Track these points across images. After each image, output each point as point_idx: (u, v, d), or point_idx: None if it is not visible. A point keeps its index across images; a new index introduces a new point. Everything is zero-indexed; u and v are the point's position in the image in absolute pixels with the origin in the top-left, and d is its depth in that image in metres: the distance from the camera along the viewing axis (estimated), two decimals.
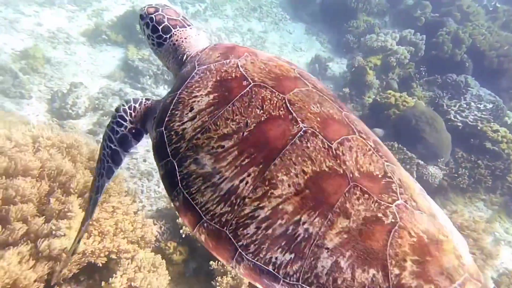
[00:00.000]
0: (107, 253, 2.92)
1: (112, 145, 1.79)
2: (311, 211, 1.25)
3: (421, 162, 6.54)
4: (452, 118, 7.50)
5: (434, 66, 8.96)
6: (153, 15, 1.89)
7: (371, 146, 1.41)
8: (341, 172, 1.30)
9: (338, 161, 1.31)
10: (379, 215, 1.25)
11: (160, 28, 1.87)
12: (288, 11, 11.73)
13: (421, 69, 8.93)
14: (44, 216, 2.71)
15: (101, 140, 1.86)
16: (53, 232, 2.67)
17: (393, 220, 1.25)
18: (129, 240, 3.12)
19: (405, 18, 10.76)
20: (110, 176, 1.83)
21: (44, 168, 2.89)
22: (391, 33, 9.15)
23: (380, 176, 1.34)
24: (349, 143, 1.37)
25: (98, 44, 7.94)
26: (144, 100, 1.82)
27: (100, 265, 2.86)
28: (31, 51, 6.69)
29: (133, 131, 1.80)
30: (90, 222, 2.97)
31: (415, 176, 6.32)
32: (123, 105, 1.80)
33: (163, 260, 3.16)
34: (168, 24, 1.88)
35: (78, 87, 6.17)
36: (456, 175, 6.69)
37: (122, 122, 1.79)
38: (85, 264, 2.80)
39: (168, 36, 1.88)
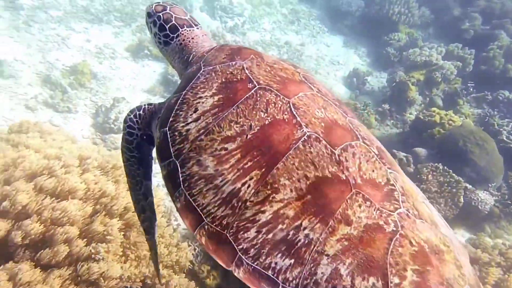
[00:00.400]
0: (142, 278, 2.92)
1: (134, 155, 1.81)
2: (313, 216, 1.24)
3: (469, 187, 6.08)
4: (505, 139, 6.95)
5: (484, 82, 8.40)
6: (160, 14, 1.88)
7: (374, 152, 1.39)
8: (344, 178, 1.28)
9: (341, 167, 1.30)
10: (381, 222, 1.24)
11: (167, 27, 1.87)
12: (326, 23, 11.57)
13: (469, 85, 8.40)
14: (85, 239, 2.76)
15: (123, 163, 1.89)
16: (93, 255, 2.71)
17: (394, 229, 1.23)
18: (164, 264, 3.12)
19: (451, 30, 10.21)
20: (149, 193, 1.88)
21: (89, 189, 2.96)
22: (436, 47, 8.70)
23: (382, 183, 1.32)
24: (352, 149, 1.35)
25: (141, 59, 8.23)
26: (147, 106, 1.82)
27: None
28: (79, 67, 7.05)
29: (145, 137, 1.81)
30: (128, 246, 3.01)
31: (462, 201, 5.89)
32: (129, 115, 1.81)
33: (197, 287, 3.11)
34: (176, 24, 1.87)
35: (121, 102, 6.40)
36: (510, 202, 6.15)
37: (132, 131, 1.80)
38: None
39: (175, 35, 1.88)
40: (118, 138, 5.91)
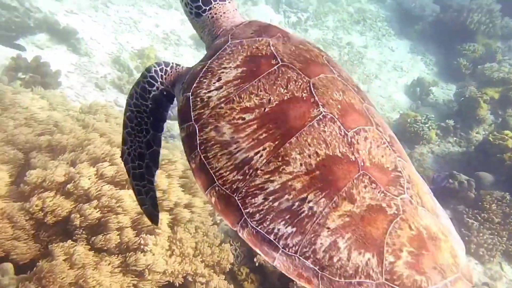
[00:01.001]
0: (185, 274, 2.91)
1: (148, 104, 1.75)
2: (318, 191, 1.28)
3: None
4: None
5: None
6: None
7: (386, 140, 1.43)
8: (353, 159, 1.32)
9: (352, 149, 1.33)
10: (383, 205, 1.29)
11: None
12: (394, 26, 10.79)
13: None
14: (135, 231, 2.80)
15: (124, 111, 1.78)
16: (142, 246, 2.74)
17: (396, 212, 1.28)
18: (206, 264, 3.09)
19: None
20: (159, 145, 1.79)
21: None
22: None
23: (390, 169, 1.36)
24: (365, 133, 1.39)
25: (202, 47, 8.29)
26: (175, 65, 1.80)
27: (177, 285, 2.87)
28: (146, 51, 7.26)
29: (164, 93, 1.77)
30: (174, 241, 3.01)
31: None
32: (155, 67, 1.76)
33: None
34: None
35: None
36: None
37: (154, 82, 1.76)
38: (165, 283, 2.83)
39: (207, 8, 1.87)
40: (173, 125, 6.01)
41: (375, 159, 1.36)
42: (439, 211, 1.44)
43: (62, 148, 3.18)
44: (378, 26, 10.66)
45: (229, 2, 1.91)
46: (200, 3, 1.86)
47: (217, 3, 1.87)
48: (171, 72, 1.79)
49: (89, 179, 2.79)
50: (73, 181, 2.76)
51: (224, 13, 1.89)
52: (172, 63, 1.82)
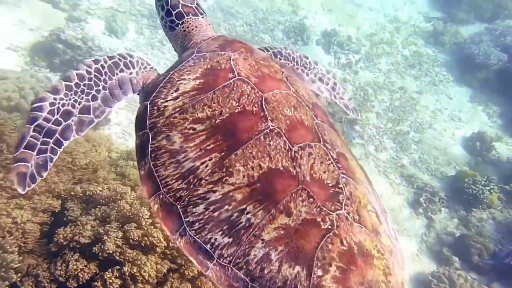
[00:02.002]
0: None
1: (113, 79, 1.73)
2: (257, 203, 1.30)
3: None
4: None
5: None
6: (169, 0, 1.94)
7: (331, 156, 1.46)
8: (294, 174, 1.35)
9: (294, 164, 1.36)
10: (318, 219, 1.30)
11: (174, 13, 1.94)
12: (453, 72, 10.14)
13: None
14: None
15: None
16: None
17: (329, 227, 1.29)
18: None
19: None
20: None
21: (168, 247, 2.88)
22: None
23: (330, 185, 1.38)
24: (310, 149, 1.42)
25: None
26: (154, 68, 1.88)
27: None
28: None
29: (134, 81, 1.79)
30: None
31: None
32: (138, 57, 1.83)
33: None
34: (182, 11, 1.94)
35: None
36: None
37: (131, 67, 1.80)
38: None
39: (180, 22, 1.95)
40: None
41: (316, 174, 1.38)
42: (382, 230, 1.43)
43: (95, 200, 3.20)
44: (435, 71, 10.08)
45: (202, 17, 2.00)
46: (174, 17, 1.95)
47: (190, 18, 1.96)
48: (149, 70, 1.85)
49: (115, 242, 2.73)
50: (100, 243, 2.72)
51: (196, 27, 1.96)
52: (151, 65, 1.88)
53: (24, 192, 1.44)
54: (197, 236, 1.31)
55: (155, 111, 1.55)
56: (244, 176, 1.34)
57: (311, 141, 1.44)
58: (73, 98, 1.63)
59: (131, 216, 2.97)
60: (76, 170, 3.58)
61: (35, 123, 1.54)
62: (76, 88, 1.65)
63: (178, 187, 1.38)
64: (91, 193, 3.23)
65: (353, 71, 9.82)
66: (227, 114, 1.46)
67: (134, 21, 8.10)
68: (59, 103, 1.59)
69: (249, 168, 1.35)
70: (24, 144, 1.50)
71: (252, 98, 1.49)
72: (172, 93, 1.58)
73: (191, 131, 1.45)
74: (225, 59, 1.64)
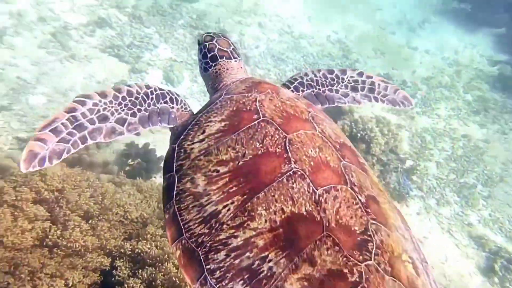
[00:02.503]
0: None
1: (156, 107, 1.81)
2: (280, 250, 1.25)
3: None
4: None
5: None
6: (207, 43, 2.06)
7: (360, 200, 1.38)
8: (318, 219, 1.28)
9: (318, 208, 1.30)
10: (345, 270, 1.21)
11: (209, 55, 2.04)
12: None
13: None
14: None
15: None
16: None
17: (357, 280, 1.20)
18: None
19: None
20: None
21: None
22: None
23: (358, 232, 1.29)
24: (336, 192, 1.36)
25: None
26: (188, 107, 1.94)
27: None
28: None
29: (172, 115, 1.84)
30: None
31: None
32: (179, 95, 1.93)
33: None
34: (217, 54, 2.03)
35: None
36: None
37: (172, 104, 1.86)
38: None
39: (213, 64, 2.03)
40: None
41: (342, 220, 1.30)
42: (421, 283, 1.31)
43: (143, 259, 3.20)
44: (504, 118, 9.26)
45: (235, 61, 2.06)
46: (208, 59, 2.05)
47: (223, 60, 2.03)
48: (187, 112, 1.92)
49: None
50: None
51: (227, 69, 2.02)
52: (190, 108, 1.95)
53: (24, 171, 1.44)
54: (218, 286, 1.27)
55: (182, 154, 1.57)
56: (266, 221, 1.30)
57: (337, 184, 1.38)
58: (115, 107, 1.71)
59: (177, 282, 2.90)
60: (127, 224, 3.65)
61: (72, 114, 1.60)
62: (122, 100, 1.74)
63: (200, 232, 1.36)
64: (139, 251, 3.24)
65: (409, 116, 9.37)
66: (250, 156, 1.44)
67: (189, 70, 8.62)
68: (101, 106, 1.67)
69: (271, 212, 1.31)
70: (52, 127, 1.53)
71: (275, 139, 1.47)
72: (198, 135, 1.60)
73: (214, 174, 1.44)
74: (251, 101, 1.64)
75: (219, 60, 2.03)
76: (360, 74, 2.24)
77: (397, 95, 2.29)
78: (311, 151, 1.45)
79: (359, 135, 7.45)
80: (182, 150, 1.58)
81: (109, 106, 1.69)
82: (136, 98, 1.78)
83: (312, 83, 2.19)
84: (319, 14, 11.90)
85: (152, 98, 1.83)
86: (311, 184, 1.35)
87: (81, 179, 3.92)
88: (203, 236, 1.34)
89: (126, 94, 1.76)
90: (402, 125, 8.91)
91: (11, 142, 4.99)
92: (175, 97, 1.91)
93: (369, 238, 1.29)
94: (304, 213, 1.29)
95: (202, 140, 1.56)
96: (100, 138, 1.62)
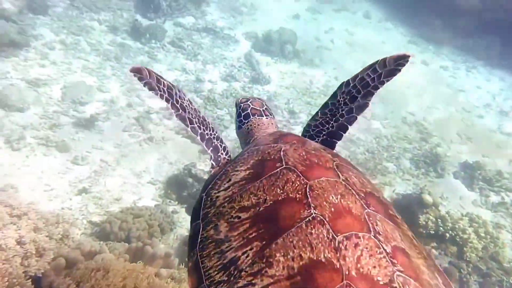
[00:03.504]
0: None
1: (213, 143, 2.10)
2: None
3: None
4: None
5: None
6: (242, 104, 2.30)
7: (385, 250, 1.31)
8: (338, 267, 1.24)
9: (338, 255, 1.26)
10: None
11: (243, 114, 2.27)
12: None
13: None
14: None
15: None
16: None
17: None
18: None
19: None
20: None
21: None
22: None
23: (382, 283, 1.22)
24: (357, 239, 1.31)
25: None
26: (228, 156, 2.12)
27: None
28: None
29: (219, 158, 2.07)
30: None
31: None
32: (226, 148, 2.15)
33: None
34: (249, 113, 2.25)
35: None
36: None
37: (220, 154, 2.09)
38: None
39: (246, 121, 2.24)
40: None
41: (364, 269, 1.23)
42: None
43: None
44: None
45: (267, 118, 2.24)
46: (242, 118, 2.25)
47: (255, 118, 2.22)
48: (227, 158, 2.09)
49: None
50: None
51: (258, 125, 2.20)
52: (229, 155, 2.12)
53: (132, 70, 1.83)
54: None
55: (208, 202, 1.63)
56: (284, 268, 1.27)
57: (358, 231, 1.33)
58: (195, 115, 2.09)
59: None
60: None
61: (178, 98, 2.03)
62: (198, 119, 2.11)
63: (219, 279, 1.36)
64: None
65: (509, 214, 8.02)
66: (271, 202, 1.46)
67: None
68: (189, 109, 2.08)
69: (289, 259, 1.28)
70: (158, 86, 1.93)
71: (296, 185, 1.49)
72: (224, 184, 1.66)
73: (236, 220, 1.47)
74: (276, 150, 1.71)
75: (251, 117, 2.24)
76: (347, 83, 2.12)
77: (389, 65, 2.01)
78: (332, 197, 1.44)
79: (447, 235, 6.48)
80: (209, 199, 1.65)
81: (193, 114, 2.08)
82: (206, 122, 2.14)
83: (319, 128, 2.22)
84: (393, 95, 11.65)
85: (215, 131, 2.14)
86: (330, 230, 1.33)
87: (142, 277, 3.82)
88: (222, 284, 1.35)
89: (199, 127, 2.10)
90: (502, 225, 7.62)
91: (85, 227, 5.24)
92: (226, 147, 2.15)
93: None
94: (323, 260, 1.26)
95: (227, 188, 1.63)
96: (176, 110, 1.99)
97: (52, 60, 8.37)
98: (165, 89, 1.95)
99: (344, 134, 2.15)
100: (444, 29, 15.36)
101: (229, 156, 2.12)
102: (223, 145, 2.13)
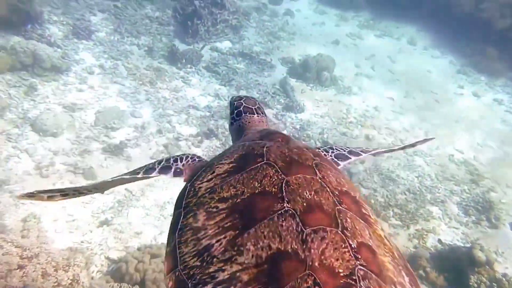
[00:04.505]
0: None
1: (155, 166, 2.20)
2: (262, 286, 1.30)
3: None
4: None
5: None
6: (235, 102, 2.52)
7: (350, 244, 1.41)
8: (302, 257, 1.33)
9: (304, 247, 1.35)
10: None
11: (235, 112, 2.47)
12: None
13: None
14: None
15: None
16: None
17: None
18: None
19: None
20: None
21: None
22: None
23: (342, 275, 1.32)
24: (324, 233, 1.40)
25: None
26: (197, 158, 2.22)
27: None
28: None
29: (178, 170, 2.15)
30: None
31: None
32: (182, 155, 2.23)
33: None
34: (241, 110, 2.46)
35: None
36: None
37: (176, 162, 2.19)
38: None
39: (238, 118, 2.45)
40: None
41: (327, 261, 1.33)
42: None
43: None
44: None
45: (258, 116, 2.45)
46: (234, 115, 2.47)
47: (246, 115, 2.44)
48: (191, 162, 2.17)
49: None
50: None
51: (249, 122, 2.42)
52: (196, 156, 2.23)
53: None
54: None
55: (191, 192, 1.72)
56: (253, 256, 1.36)
57: (326, 226, 1.42)
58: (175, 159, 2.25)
59: None
60: None
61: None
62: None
63: (193, 264, 1.44)
64: None
65: None
66: (248, 194, 1.55)
67: None
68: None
69: (259, 248, 1.37)
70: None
71: (273, 180, 1.58)
72: (208, 175, 1.75)
73: (214, 210, 1.56)
74: (260, 147, 1.79)
75: (243, 115, 2.41)
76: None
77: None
78: (306, 193, 1.52)
79: None
80: (192, 189, 1.74)
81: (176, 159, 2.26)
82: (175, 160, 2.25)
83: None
84: (439, 129, 10.85)
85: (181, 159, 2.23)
86: (300, 224, 1.40)
87: None
88: (195, 269, 1.42)
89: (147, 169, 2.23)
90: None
91: (102, 263, 5.11)
92: (180, 157, 2.20)
93: (353, 283, 1.29)
94: (290, 250, 1.34)
95: (210, 179, 1.72)
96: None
97: (90, 84, 8.65)
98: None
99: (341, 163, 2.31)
100: (499, 59, 14.31)
101: (195, 160, 2.22)
102: (178, 159, 2.23)
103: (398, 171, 9.33)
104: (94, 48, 9.84)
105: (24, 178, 5.90)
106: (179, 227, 1.60)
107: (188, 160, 2.19)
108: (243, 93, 10.62)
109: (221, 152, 2.09)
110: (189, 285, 1.39)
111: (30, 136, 6.74)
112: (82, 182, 6.35)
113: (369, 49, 14.51)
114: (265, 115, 2.50)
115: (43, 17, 9.46)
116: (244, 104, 2.48)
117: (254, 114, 2.45)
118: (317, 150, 2.22)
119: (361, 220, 1.56)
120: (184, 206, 1.69)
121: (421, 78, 13.39)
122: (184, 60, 10.73)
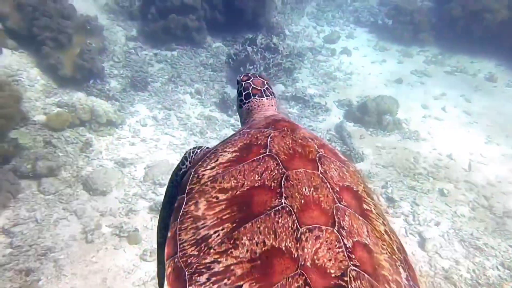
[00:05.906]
0: None
1: (177, 179, 2.14)
2: (254, 282, 1.33)
3: None
4: None
5: None
6: (243, 82, 2.47)
7: (345, 245, 1.43)
8: (295, 256, 1.36)
9: (297, 245, 1.38)
10: None
11: (244, 93, 2.43)
12: None
13: None
14: None
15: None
16: None
17: None
18: None
19: None
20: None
21: None
22: None
23: (334, 275, 1.34)
24: (319, 232, 1.42)
25: None
26: (205, 147, 2.20)
27: None
28: None
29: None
30: None
31: None
32: (188, 150, 2.20)
33: None
34: (250, 92, 2.42)
35: None
36: None
37: (185, 161, 2.16)
38: None
39: (247, 101, 2.41)
40: None
41: (320, 261, 1.35)
42: None
43: None
44: None
45: (267, 99, 2.41)
46: (243, 97, 2.44)
47: (255, 98, 2.40)
48: (200, 152, 2.17)
49: None
50: None
51: (258, 106, 2.39)
52: (204, 146, 2.24)
53: None
54: None
55: (195, 179, 1.75)
56: (247, 251, 1.39)
57: (322, 224, 1.44)
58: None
59: None
60: None
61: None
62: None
63: (191, 253, 1.48)
64: None
65: None
66: (247, 187, 1.57)
67: None
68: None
69: (254, 243, 1.40)
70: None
71: (274, 174, 1.59)
72: (211, 163, 1.78)
73: (214, 200, 1.60)
74: (264, 136, 1.80)
75: (252, 97, 2.39)
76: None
77: None
78: (305, 189, 1.55)
79: None
80: (195, 175, 1.76)
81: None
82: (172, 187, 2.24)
83: None
84: None
85: (175, 179, 2.21)
86: (296, 221, 1.43)
87: None
88: (192, 257, 1.47)
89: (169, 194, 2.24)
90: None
91: None
92: (185, 156, 2.19)
93: (344, 284, 1.30)
94: (283, 248, 1.37)
95: (213, 167, 1.75)
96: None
97: (142, 137, 8.85)
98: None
99: None
100: None
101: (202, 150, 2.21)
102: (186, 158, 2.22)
103: (486, 237, 7.95)
104: (149, 99, 10.22)
105: (69, 244, 5.93)
106: (180, 213, 1.65)
107: (197, 151, 2.27)
108: None
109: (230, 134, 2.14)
110: (186, 273, 1.44)
111: (81, 196, 6.90)
112: (125, 246, 6.23)
113: (438, 87, 13.33)
114: (275, 96, 2.49)
115: (104, 72, 10.11)
116: (252, 85, 2.45)
117: (264, 97, 2.42)
118: (323, 139, 2.18)
119: (360, 217, 1.60)
120: (187, 192, 1.73)
121: (506, 120, 11.81)
122: (235, 107, 10.67)
